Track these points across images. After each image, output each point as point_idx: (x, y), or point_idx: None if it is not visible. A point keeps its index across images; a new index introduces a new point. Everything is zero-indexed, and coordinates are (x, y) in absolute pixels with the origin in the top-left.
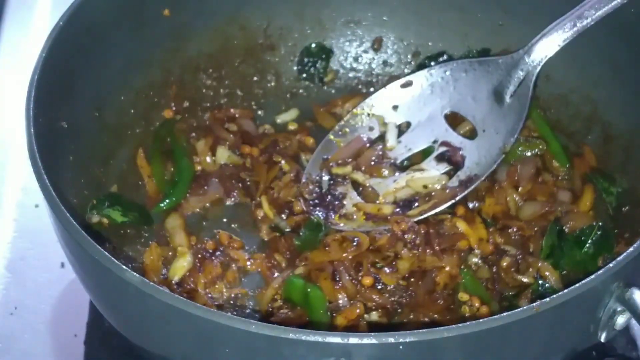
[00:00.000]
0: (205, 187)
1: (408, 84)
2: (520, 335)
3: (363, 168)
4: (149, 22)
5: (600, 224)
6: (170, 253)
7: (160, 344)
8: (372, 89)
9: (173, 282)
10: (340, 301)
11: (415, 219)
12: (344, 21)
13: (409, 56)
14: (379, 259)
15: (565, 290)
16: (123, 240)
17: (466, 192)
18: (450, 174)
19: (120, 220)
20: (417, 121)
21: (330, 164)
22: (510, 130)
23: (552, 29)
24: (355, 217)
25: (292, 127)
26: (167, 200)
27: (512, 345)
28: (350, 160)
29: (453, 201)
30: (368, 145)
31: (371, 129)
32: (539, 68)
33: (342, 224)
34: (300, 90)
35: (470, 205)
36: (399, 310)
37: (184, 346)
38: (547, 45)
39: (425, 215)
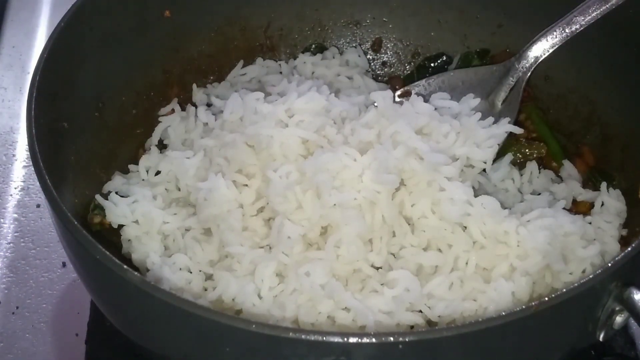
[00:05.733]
0: None
1: (407, 94)
2: (518, 335)
3: None
4: (149, 23)
5: None
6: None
7: (161, 343)
8: None
9: None
10: None
11: None
12: (343, 22)
13: (408, 57)
14: None
15: (564, 290)
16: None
17: None
18: None
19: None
20: None
21: None
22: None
23: (541, 35)
24: None
25: None
26: None
27: (510, 344)
28: None
29: None
30: None
31: None
32: (528, 74)
33: None
34: None
35: None
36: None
37: (184, 345)
38: (537, 52)
39: None
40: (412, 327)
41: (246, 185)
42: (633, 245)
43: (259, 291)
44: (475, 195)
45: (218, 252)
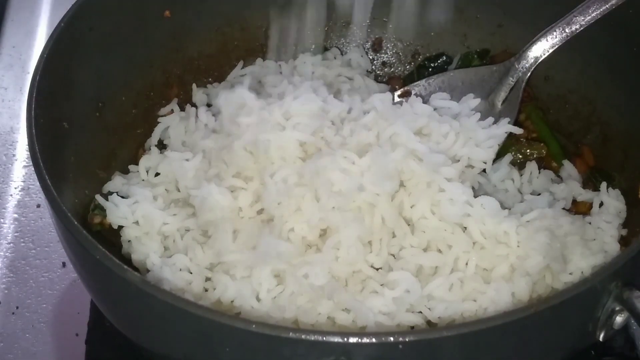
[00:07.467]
0: None
1: (406, 94)
2: (518, 335)
3: None
4: (149, 23)
5: None
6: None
7: (161, 343)
8: None
9: None
10: None
11: None
12: (344, 22)
13: (408, 57)
14: None
15: (564, 290)
16: None
17: None
18: None
19: None
20: None
21: None
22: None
23: (541, 35)
24: None
25: None
26: None
27: (510, 344)
28: None
29: None
30: None
31: None
32: (528, 74)
33: None
34: None
35: None
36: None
37: (184, 345)
38: (537, 52)
39: None
40: (412, 328)
41: (244, 188)
42: (633, 245)
43: (257, 293)
44: (475, 196)
45: (218, 255)
